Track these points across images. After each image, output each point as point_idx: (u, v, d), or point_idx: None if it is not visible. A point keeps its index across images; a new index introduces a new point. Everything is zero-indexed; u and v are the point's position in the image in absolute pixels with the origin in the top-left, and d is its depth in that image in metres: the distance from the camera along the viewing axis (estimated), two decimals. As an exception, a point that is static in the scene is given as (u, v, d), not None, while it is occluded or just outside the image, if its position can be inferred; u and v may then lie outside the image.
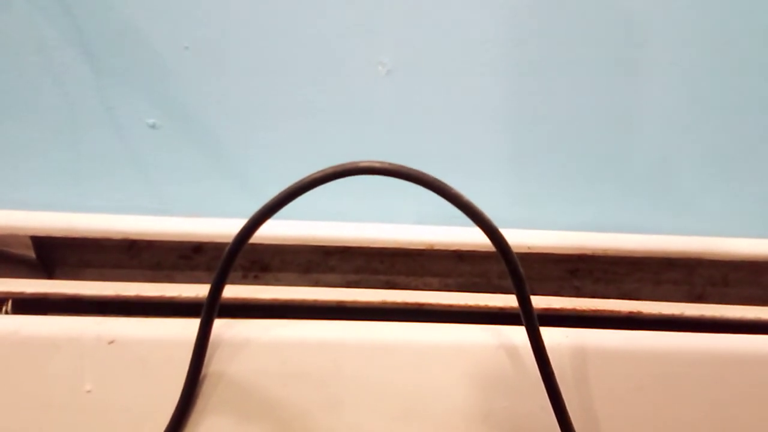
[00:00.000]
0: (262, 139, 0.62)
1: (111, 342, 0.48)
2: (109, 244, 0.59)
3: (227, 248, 0.44)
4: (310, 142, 0.62)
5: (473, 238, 0.57)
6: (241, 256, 0.45)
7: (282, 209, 0.43)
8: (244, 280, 0.60)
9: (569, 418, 0.48)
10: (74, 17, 0.59)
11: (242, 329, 0.49)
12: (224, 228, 0.57)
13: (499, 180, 0.64)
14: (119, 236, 0.57)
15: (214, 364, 0.48)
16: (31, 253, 0.58)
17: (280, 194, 0.43)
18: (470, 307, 0.54)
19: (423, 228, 0.59)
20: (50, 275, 0.59)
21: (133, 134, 0.61)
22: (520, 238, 0.58)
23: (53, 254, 0.59)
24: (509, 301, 0.53)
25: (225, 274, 0.45)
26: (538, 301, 0.53)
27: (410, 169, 0.43)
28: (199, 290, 0.52)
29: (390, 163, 0.43)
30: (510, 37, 0.62)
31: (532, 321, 0.47)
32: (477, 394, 0.49)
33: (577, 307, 0.54)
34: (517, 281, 0.45)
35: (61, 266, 0.60)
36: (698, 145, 0.64)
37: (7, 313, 0.51)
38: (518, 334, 0.49)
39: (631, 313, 0.54)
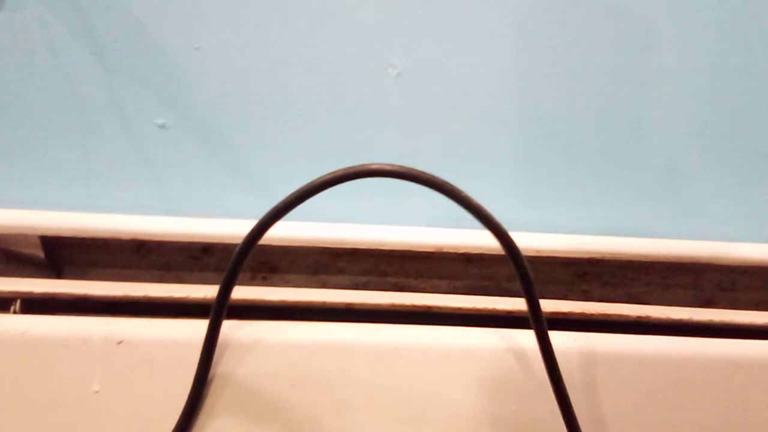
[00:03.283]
0: (272, 140, 0.62)
1: (119, 342, 0.48)
2: (118, 244, 0.59)
3: (237, 249, 0.44)
4: (319, 143, 0.62)
5: (482, 240, 0.57)
6: (250, 258, 0.45)
7: (291, 210, 0.43)
8: (252, 281, 0.60)
9: (577, 422, 0.48)
10: (85, 17, 0.59)
11: (250, 330, 0.49)
12: (233, 229, 0.57)
13: (508, 183, 0.63)
14: (128, 236, 0.57)
15: (222, 365, 0.48)
16: (40, 253, 0.58)
17: (290, 196, 0.43)
18: (479, 310, 0.54)
19: (432, 230, 0.59)
20: (59, 275, 0.59)
21: (143, 134, 0.61)
22: (529, 241, 0.58)
23: (62, 254, 0.59)
24: (518, 304, 0.53)
25: (234, 275, 0.45)
26: (547, 305, 0.53)
27: (420, 171, 0.43)
28: (208, 291, 0.52)
29: (400, 166, 0.43)
30: (520, 39, 0.62)
31: (541, 324, 0.47)
32: (485, 397, 0.49)
33: (586, 311, 0.54)
34: (526, 285, 0.45)
35: (69, 266, 0.60)
36: (707, 148, 0.64)
37: (15, 312, 0.51)
38: (527, 337, 0.49)
39: (639, 317, 0.54)
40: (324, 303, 0.53)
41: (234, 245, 0.45)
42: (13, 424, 0.47)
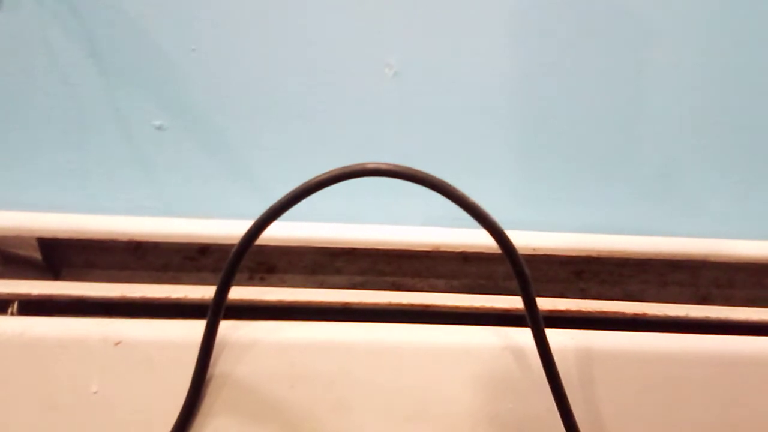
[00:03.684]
0: (269, 140, 0.62)
1: (117, 343, 0.48)
2: (115, 245, 0.59)
3: (233, 249, 0.45)
4: (316, 143, 0.62)
5: (479, 239, 0.57)
6: (248, 258, 0.45)
7: (288, 210, 0.43)
8: (250, 281, 0.60)
9: (575, 419, 0.48)
10: (82, 19, 0.59)
11: (248, 331, 0.49)
12: (230, 229, 0.57)
13: (504, 181, 0.63)
14: (125, 237, 0.57)
15: (220, 365, 0.48)
16: (38, 255, 0.58)
17: (286, 196, 0.43)
18: (476, 308, 0.54)
19: (429, 229, 0.59)
20: (56, 277, 0.59)
21: (140, 136, 0.61)
22: (525, 240, 0.58)
23: (59, 255, 0.59)
24: (515, 302, 0.53)
25: (231, 276, 0.45)
26: (544, 303, 0.53)
27: (416, 170, 0.43)
28: (205, 292, 0.52)
29: (396, 165, 0.43)
30: (516, 38, 0.62)
31: (538, 323, 0.47)
32: (483, 395, 0.49)
33: (583, 309, 0.54)
34: (522, 283, 0.45)
35: (67, 267, 0.60)
36: (704, 146, 0.64)
37: (13, 314, 0.51)
38: (524, 335, 0.49)
39: (636, 314, 0.54)
40: (322, 303, 0.53)
41: (231, 246, 0.45)
42: (12, 426, 0.47)
